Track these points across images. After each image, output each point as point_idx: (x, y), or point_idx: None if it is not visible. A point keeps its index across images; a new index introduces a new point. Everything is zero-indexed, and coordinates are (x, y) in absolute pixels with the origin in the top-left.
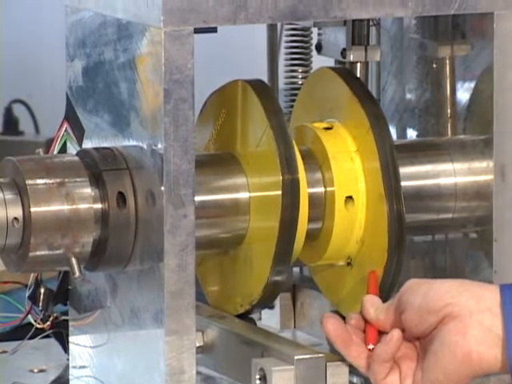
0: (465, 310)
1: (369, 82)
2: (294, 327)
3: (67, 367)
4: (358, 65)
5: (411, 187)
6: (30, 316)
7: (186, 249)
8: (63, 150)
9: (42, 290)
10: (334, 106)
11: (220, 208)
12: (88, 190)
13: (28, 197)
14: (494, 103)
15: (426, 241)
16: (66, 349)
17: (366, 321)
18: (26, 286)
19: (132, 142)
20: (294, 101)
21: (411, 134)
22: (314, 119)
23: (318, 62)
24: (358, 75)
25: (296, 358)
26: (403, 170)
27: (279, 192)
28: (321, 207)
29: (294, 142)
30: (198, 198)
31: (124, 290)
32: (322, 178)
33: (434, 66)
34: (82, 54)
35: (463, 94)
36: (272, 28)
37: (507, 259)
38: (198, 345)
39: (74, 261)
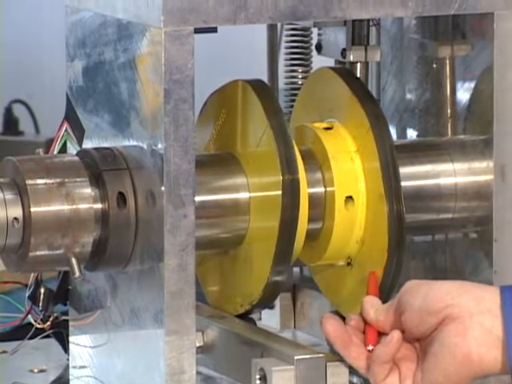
0: (465, 311)
1: (369, 82)
2: (294, 327)
3: (67, 367)
4: (358, 65)
5: (411, 187)
6: (30, 316)
7: (186, 249)
8: (63, 150)
9: (42, 290)
10: (334, 106)
11: (220, 208)
12: (88, 190)
13: (28, 197)
14: (494, 103)
15: (426, 241)
16: (66, 349)
17: (365, 322)
18: (26, 285)
19: (132, 142)
20: (293, 101)
21: (411, 134)
22: (314, 119)
23: (318, 62)
24: (358, 75)
25: (296, 358)
26: (403, 170)
27: (279, 192)
28: (321, 207)
29: (294, 141)
30: (198, 198)
31: (124, 290)
32: (322, 177)
33: (434, 66)
34: (82, 54)
35: (463, 94)
36: (272, 28)
37: (507, 259)
38: (198, 345)
39: (73, 261)
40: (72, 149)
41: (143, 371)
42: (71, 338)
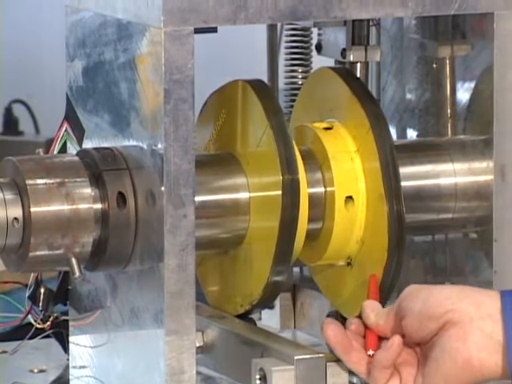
0: (465, 316)
1: (369, 82)
2: (294, 327)
3: (67, 367)
4: (358, 65)
5: (411, 187)
6: (30, 316)
7: (186, 249)
8: (63, 150)
9: (42, 290)
10: (334, 106)
11: (220, 208)
12: (88, 190)
13: (28, 197)
14: (494, 103)
15: (426, 241)
16: (66, 349)
17: (365, 326)
18: (26, 285)
19: (132, 142)
20: (293, 101)
21: (411, 134)
22: (314, 119)
23: (318, 62)
24: (358, 75)
25: (296, 358)
26: (403, 170)
27: (279, 192)
28: (321, 207)
29: (293, 142)
30: (198, 198)
31: (124, 290)
32: (322, 178)
33: (434, 66)
34: (82, 54)
35: (463, 94)
36: (272, 28)
37: (507, 259)
38: (198, 345)
39: (73, 261)
40: (72, 149)
41: (143, 371)
42: (71, 338)
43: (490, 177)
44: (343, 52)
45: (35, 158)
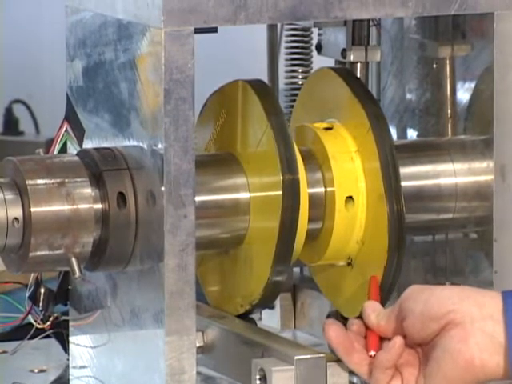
0: (467, 316)
1: (369, 83)
2: (295, 327)
3: (67, 367)
4: (358, 65)
5: (411, 187)
6: (30, 316)
7: (186, 249)
8: (63, 150)
9: (42, 290)
10: (334, 106)
11: (220, 208)
12: (88, 190)
13: (28, 197)
14: (494, 103)
15: (426, 241)
16: (66, 349)
17: (367, 327)
18: (26, 286)
19: (132, 142)
20: (294, 101)
21: (411, 134)
22: (314, 119)
23: (318, 62)
24: (358, 75)
25: (296, 358)
26: (403, 170)
27: (279, 192)
28: (321, 207)
29: (294, 142)
30: (198, 198)
31: (124, 290)
32: (322, 178)
33: (435, 66)
34: (82, 54)
35: (463, 94)
36: (272, 28)
37: (507, 259)
38: (198, 345)
39: (74, 261)
40: (72, 149)
41: (143, 371)
42: (71, 338)
43: (490, 177)
44: (343, 52)
45: (35, 158)
